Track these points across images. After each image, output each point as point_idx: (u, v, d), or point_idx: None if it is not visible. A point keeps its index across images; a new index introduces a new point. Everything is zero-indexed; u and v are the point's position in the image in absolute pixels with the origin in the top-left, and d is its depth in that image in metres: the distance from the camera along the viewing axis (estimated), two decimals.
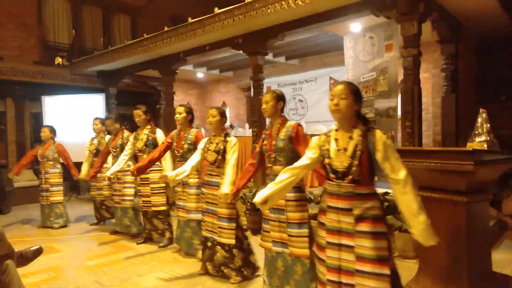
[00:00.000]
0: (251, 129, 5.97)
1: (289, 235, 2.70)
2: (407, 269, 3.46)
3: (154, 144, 4.37)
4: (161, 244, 4.41)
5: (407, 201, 1.88)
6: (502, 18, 5.19)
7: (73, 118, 8.42)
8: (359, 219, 1.92)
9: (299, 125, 2.81)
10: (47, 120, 8.42)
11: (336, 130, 2.07)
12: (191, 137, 3.95)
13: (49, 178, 5.54)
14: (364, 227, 1.90)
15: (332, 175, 1.99)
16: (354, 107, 1.99)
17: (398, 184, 1.89)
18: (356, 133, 1.97)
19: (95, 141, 5.58)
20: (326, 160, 2.01)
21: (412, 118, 4.07)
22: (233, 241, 3.24)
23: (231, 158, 3.27)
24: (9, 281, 2.16)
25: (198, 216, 3.74)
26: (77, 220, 6.03)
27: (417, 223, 1.86)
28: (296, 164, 2.18)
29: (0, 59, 8.05)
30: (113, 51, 7.39)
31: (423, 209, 1.88)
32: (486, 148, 2.59)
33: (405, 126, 4.13)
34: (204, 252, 3.50)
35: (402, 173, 1.88)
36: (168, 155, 4.27)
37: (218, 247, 3.32)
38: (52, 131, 5.73)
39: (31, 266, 3.30)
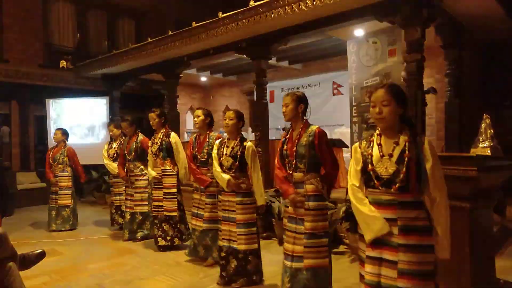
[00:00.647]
0: (253, 133, 5.97)
1: (305, 246, 2.56)
2: None
3: (168, 148, 4.34)
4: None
5: (436, 218, 1.82)
6: (506, 23, 5.18)
7: (77, 121, 8.47)
8: (404, 230, 1.78)
9: (321, 129, 2.67)
10: (51, 123, 8.47)
11: (379, 134, 1.93)
12: (212, 141, 3.79)
13: (59, 181, 5.54)
14: (409, 240, 1.77)
15: (376, 182, 1.85)
16: (398, 112, 1.85)
17: (430, 201, 1.81)
18: (402, 138, 1.84)
19: (115, 145, 5.53)
20: (369, 167, 1.88)
21: (415, 123, 4.06)
22: (255, 246, 3.16)
23: (255, 165, 3.20)
24: (12, 282, 2.17)
25: (215, 225, 3.57)
26: (80, 223, 6.03)
27: (445, 242, 1.81)
28: (354, 183, 1.97)
29: (6, 62, 8.12)
30: (117, 54, 7.43)
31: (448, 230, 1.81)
32: (489, 154, 2.57)
33: None
34: (220, 263, 3.34)
35: (439, 194, 1.81)
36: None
37: (231, 256, 3.21)
38: (64, 133, 5.72)
39: (33, 269, 3.30)
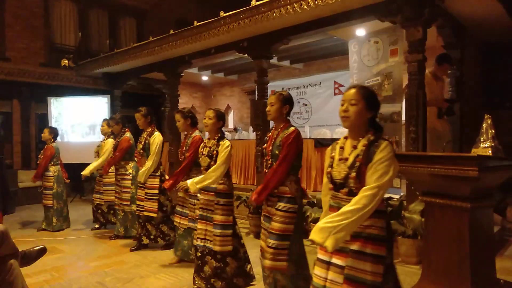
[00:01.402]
0: (254, 133, 5.98)
1: (268, 246, 2.53)
2: (410, 274, 3.44)
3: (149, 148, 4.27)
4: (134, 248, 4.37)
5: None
6: (508, 24, 5.17)
7: (78, 120, 8.49)
8: (355, 237, 1.71)
9: (296, 131, 2.60)
10: (53, 121, 8.49)
11: (345, 137, 1.91)
12: (189, 142, 3.77)
13: (44, 180, 5.48)
14: (359, 246, 1.70)
15: (330, 185, 1.86)
16: (365, 115, 1.80)
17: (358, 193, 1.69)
18: (361, 143, 1.79)
19: (100, 144, 5.57)
20: (328, 169, 1.88)
21: (417, 123, 4.06)
22: (229, 248, 3.07)
23: (220, 161, 3.06)
24: (13, 280, 2.18)
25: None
26: (80, 221, 6.05)
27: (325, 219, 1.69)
28: (325, 189, 1.98)
29: (7, 61, 8.14)
30: (119, 53, 7.44)
31: (343, 217, 1.65)
32: (490, 154, 2.57)
33: (409, 131, 4.12)
34: (195, 263, 3.26)
35: (365, 189, 1.67)
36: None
37: (208, 257, 3.12)
38: (52, 132, 5.60)
39: (34, 266, 3.30)
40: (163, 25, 8.62)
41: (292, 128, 2.62)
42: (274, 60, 7.49)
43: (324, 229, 1.65)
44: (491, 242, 2.76)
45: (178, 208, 3.89)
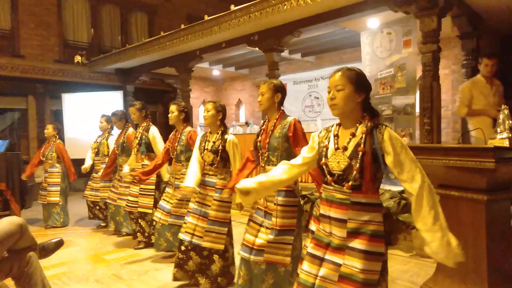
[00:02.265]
0: None
1: (269, 242, 2.44)
2: (425, 268, 3.42)
3: (147, 143, 4.20)
4: (140, 246, 4.24)
5: (421, 216, 1.57)
6: None
7: (92, 115, 8.59)
8: (353, 233, 1.59)
9: (297, 122, 2.53)
10: (67, 116, 8.63)
11: (338, 124, 1.75)
12: (184, 137, 3.70)
13: (48, 177, 5.39)
14: (357, 243, 1.58)
15: (329, 178, 1.67)
16: (355, 99, 1.65)
17: (412, 196, 1.59)
18: (360, 130, 1.65)
19: (99, 139, 5.41)
20: (322, 160, 1.70)
21: (431, 115, 4.00)
22: (221, 247, 2.95)
23: (235, 158, 3.00)
24: (32, 272, 2.23)
25: (180, 221, 3.46)
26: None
27: (433, 238, 1.55)
28: (292, 162, 1.88)
29: (22, 58, 8.28)
30: (131, 49, 7.49)
31: (441, 222, 1.57)
32: (508, 145, 2.52)
33: (423, 123, 4.06)
34: (177, 256, 3.14)
35: (415, 185, 1.57)
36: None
37: (193, 252, 3.02)
38: (56, 128, 5.56)
39: (52, 259, 3.38)
40: (174, 20, 8.66)
41: (291, 118, 2.54)
42: (285, 53, 7.45)
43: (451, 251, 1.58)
44: (508, 235, 2.72)
45: (163, 203, 3.76)
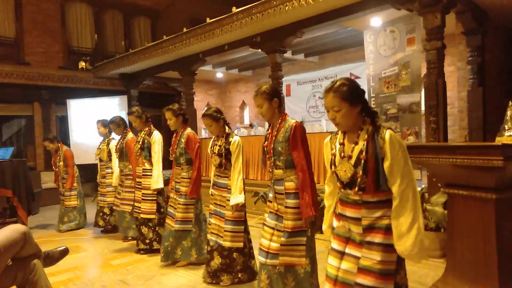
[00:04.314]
0: None
1: (282, 244, 2.46)
2: (434, 268, 3.36)
3: (149, 148, 4.16)
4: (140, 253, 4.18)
5: (404, 217, 1.65)
6: None
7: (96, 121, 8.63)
8: (368, 229, 1.71)
9: (298, 125, 2.49)
10: (72, 122, 8.68)
11: (344, 132, 1.83)
12: (183, 139, 3.66)
13: (64, 183, 5.54)
14: (373, 237, 1.70)
15: (339, 184, 1.80)
16: (354, 112, 1.72)
17: (395, 200, 1.66)
18: (362, 137, 1.72)
19: (101, 146, 5.41)
20: (332, 168, 1.81)
21: (437, 112, 3.95)
22: (240, 244, 3.07)
23: (236, 162, 3.06)
24: (37, 280, 2.23)
25: (187, 226, 3.61)
26: None
27: (406, 238, 1.64)
28: (327, 180, 1.97)
29: (27, 65, 8.34)
30: (134, 53, 7.52)
31: (418, 226, 1.65)
32: None
33: (429, 122, 4.01)
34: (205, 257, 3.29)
35: (401, 188, 1.64)
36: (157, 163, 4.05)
37: (215, 252, 3.14)
38: (52, 140, 5.63)
39: (58, 265, 3.37)
40: (177, 24, 8.66)
41: (292, 122, 2.51)
42: (288, 54, 7.42)
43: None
44: None
45: (170, 210, 3.77)
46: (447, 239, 2.87)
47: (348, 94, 1.70)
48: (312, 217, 2.43)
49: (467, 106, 5.53)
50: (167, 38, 6.65)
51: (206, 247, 3.36)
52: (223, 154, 3.13)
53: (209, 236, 3.26)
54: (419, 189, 4.32)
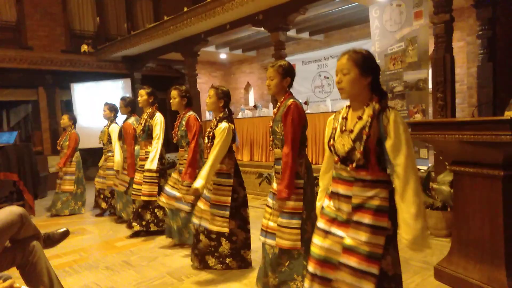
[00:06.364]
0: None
1: (278, 225, 2.43)
2: (439, 247, 3.32)
3: (150, 130, 4.09)
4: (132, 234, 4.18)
5: (403, 207, 1.59)
6: None
7: (101, 104, 8.57)
8: (358, 208, 1.65)
9: (295, 105, 2.40)
10: (77, 106, 8.67)
11: (348, 106, 1.77)
12: (184, 122, 3.58)
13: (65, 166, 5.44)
14: (361, 217, 1.63)
15: (335, 158, 1.73)
16: (362, 81, 1.65)
17: (398, 180, 1.60)
18: (367, 113, 1.65)
19: (104, 129, 5.30)
20: (330, 142, 1.75)
21: (444, 89, 3.83)
22: (226, 230, 2.96)
23: (214, 147, 2.92)
24: (36, 261, 2.22)
25: (187, 207, 3.52)
26: None
27: (412, 229, 1.57)
28: (326, 156, 1.92)
29: (30, 49, 8.29)
30: (135, 35, 7.42)
31: (422, 213, 1.58)
32: None
33: (436, 98, 3.89)
34: (192, 241, 3.22)
35: (398, 183, 1.59)
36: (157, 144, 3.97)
37: (202, 235, 3.08)
38: (71, 118, 5.60)
39: (64, 247, 3.39)
40: (179, 5, 8.48)
41: (290, 101, 2.43)
42: (292, 33, 7.26)
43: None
44: None
45: (167, 188, 3.70)
46: (453, 218, 2.81)
47: (362, 60, 1.65)
48: (284, 199, 2.37)
49: (476, 82, 5.37)
50: (167, 18, 6.52)
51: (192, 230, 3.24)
52: (209, 138, 3.05)
53: (193, 219, 3.16)
54: (425, 167, 4.25)
